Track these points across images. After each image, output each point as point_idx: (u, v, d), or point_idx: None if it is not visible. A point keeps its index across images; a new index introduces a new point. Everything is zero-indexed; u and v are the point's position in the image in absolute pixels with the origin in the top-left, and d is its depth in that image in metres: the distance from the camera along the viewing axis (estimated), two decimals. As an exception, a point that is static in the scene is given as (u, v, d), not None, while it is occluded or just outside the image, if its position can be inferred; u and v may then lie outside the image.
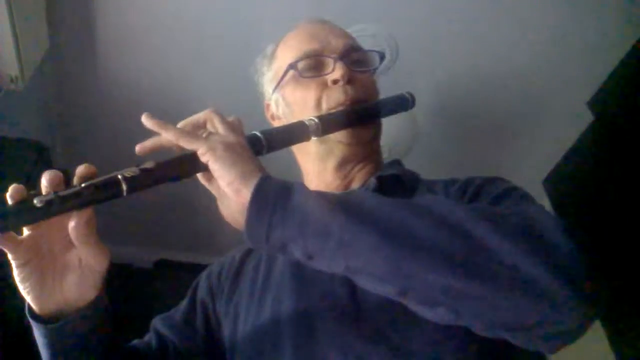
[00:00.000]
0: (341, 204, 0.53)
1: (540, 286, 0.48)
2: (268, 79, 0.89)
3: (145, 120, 0.59)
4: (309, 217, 0.52)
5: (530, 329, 0.51)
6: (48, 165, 1.52)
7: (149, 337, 0.82)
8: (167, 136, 0.59)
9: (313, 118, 0.73)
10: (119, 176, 0.54)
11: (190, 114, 0.64)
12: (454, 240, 0.50)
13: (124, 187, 0.54)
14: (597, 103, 1.83)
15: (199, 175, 0.61)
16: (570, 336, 0.51)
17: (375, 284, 0.53)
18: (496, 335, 0.53)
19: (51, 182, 0.54)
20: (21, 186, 0.53)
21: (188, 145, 0.58)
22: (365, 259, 0.51)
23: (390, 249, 0.50)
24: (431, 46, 1.76)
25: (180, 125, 0.62)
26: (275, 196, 0.53)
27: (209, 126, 0.62)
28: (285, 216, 0.52)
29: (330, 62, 0.80)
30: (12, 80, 1.48)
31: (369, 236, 0.50)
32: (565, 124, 1.94)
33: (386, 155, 0.91)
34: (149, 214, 2.09)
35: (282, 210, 0.52)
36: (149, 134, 0.61)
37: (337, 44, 0.82)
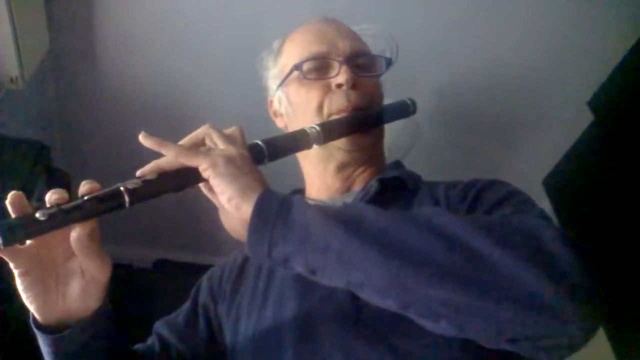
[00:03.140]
0: (340, 218, 0.53)
1: (542, 298, 0.48)
2: (273, 75, 0.88)
3: (143, 140, 0.58)
4: (309, 233, 0.52)
5: (533, 340, 0.50)
6: (48, 165, 1.51)
7: (152, 341, 0.82)
8: (166, 154, 0.58)
9: (314, 126, 0.73)
10: (122, 188, 0.54)
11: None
12: (453, 253, 0.50)
13: (127, 198, 0.54)
14: (597, 103, 1.82)
15: (201, 186, 0.61)
16: (573, 346, 0.51)
17: (377, 298, 0.53)
18: (500, 347, 0.53)
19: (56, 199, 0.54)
20: (20, 193, 0.53)
21: (189, 162, 0.57)
22: (365, 274, 0.51)
23: (389, 264, 0.50)
24: (431, 47, 1.75)
25: (179, 144, 0.61)
26: (275, 212, 0.53)
27: (207, 142, 0.62)
28: (286, 232, 0.52)
29: (335, 65, 0.79)
30: (12, 80, 1.48)
31: (368, 251, 0.50)
32: (565, 124, 1.94)
33: (386, 156, 0.91)
34: (149, 214, 2.09)
35: (283, 226, 0.52)
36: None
37: (345, 47, 0.80)
